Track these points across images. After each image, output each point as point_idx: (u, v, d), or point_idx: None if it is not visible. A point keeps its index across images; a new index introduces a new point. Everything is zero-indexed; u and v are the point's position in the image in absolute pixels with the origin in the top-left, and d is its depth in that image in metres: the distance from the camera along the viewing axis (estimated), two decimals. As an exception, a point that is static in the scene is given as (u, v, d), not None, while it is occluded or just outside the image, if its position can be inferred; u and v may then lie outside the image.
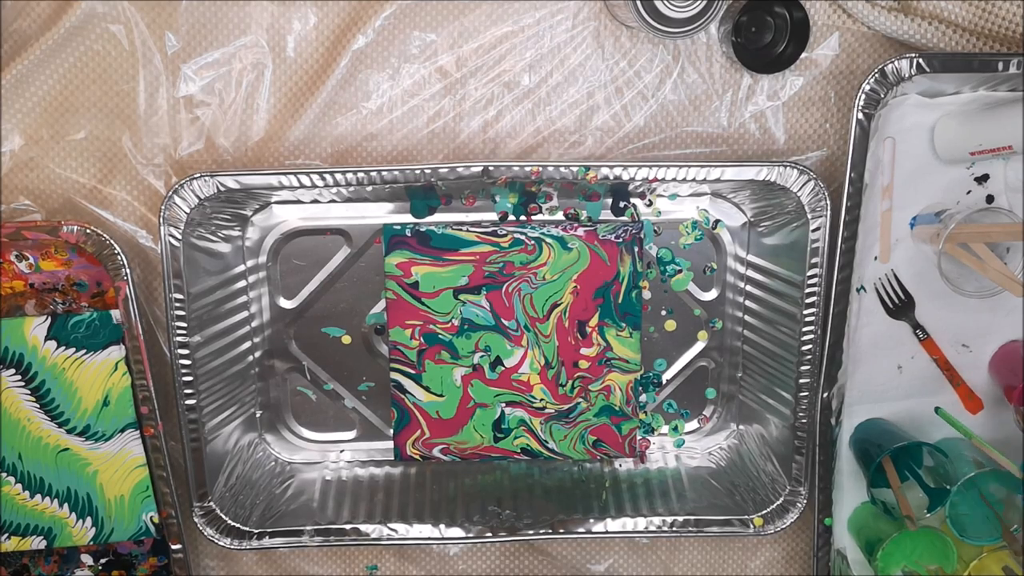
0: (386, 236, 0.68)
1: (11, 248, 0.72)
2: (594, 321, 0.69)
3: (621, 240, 0.68)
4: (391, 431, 0.75)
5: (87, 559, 0.80)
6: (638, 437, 0.72)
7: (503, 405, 0.71)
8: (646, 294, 0.78)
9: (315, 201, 0.75)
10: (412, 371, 0.70)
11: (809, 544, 0.80)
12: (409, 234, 0.68)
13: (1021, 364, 0.73)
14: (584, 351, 0.70)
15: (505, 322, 0.69)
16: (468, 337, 0.70)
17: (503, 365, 0.70)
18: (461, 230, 0.68)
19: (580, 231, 0.68)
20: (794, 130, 0.74)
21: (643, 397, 0.75)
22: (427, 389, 0.71)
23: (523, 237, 0.68)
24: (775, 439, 0.77)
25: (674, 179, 0.68)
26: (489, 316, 0.69)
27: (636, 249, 0.68)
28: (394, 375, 0.71)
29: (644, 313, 0.77)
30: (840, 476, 0.76)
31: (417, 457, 0.74)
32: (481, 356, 0.70)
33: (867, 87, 0.66)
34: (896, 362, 0.76)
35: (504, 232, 0.68)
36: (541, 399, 0.71)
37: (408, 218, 0.76)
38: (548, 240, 0.68)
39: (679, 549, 0.84)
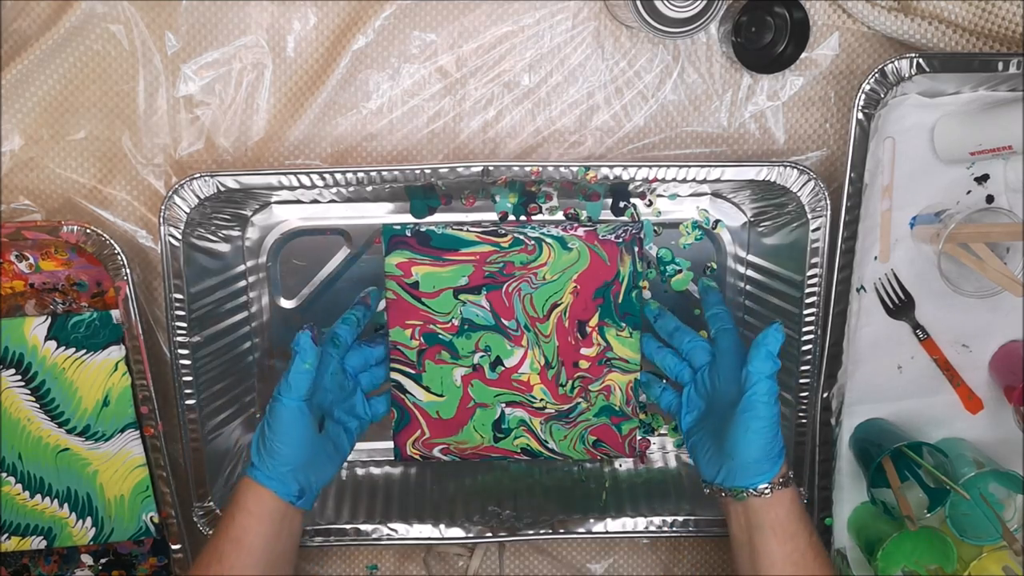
0: (386, 236, 0.67)
1: (11, 248, 0.72)
2: (594, 321, 0.69)
3: (621, 240, 0.68)
4: (391, 431, 0.75)
5: (87, 559, 0.80)
6: (638, 437, 0.72)
7: (503, 405, 0.71)
8: (646, 294, 0.78)
9: (315, 201, 0.75)
10: (412, 371, 0.70)
11: (809, 544, 0.80)
12: (409, 234, 0.67)
13: (1021, 364, 0.73)
14: (584, 351, 0.70)
15: (505, 322, 0.69)
16: (468, 337, 0.69)
17: (503, 365, 0.70)
18: (461, 230, 0.68)
19: (580, 231, 0.68)
20: (794, 130, 0.74)
21: (643, 397, 0.75)
22: (427, 389, 0.70)
23: (523, 237, 0.68)
24: (775, 439, 0.77)
25: (674, 179, 0.68)
26: (489, 316, 0.69)
27: (636, 249, 0.68)
28: (394, 375, 0.71)
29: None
30: (840, 476, 0.76)
31: (417, 457, 0.74)
32: (481, 356, 0.70)
33: (867, 87, 0.66)
34: (896, 362, 0.76)
35: (504, 232, 0.68)
36: (541, 399, 0.71)
37: (408, 218, 0.76)
38: (548, 240, 0.68)
39: (679, 549, 0.84)
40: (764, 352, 0.62)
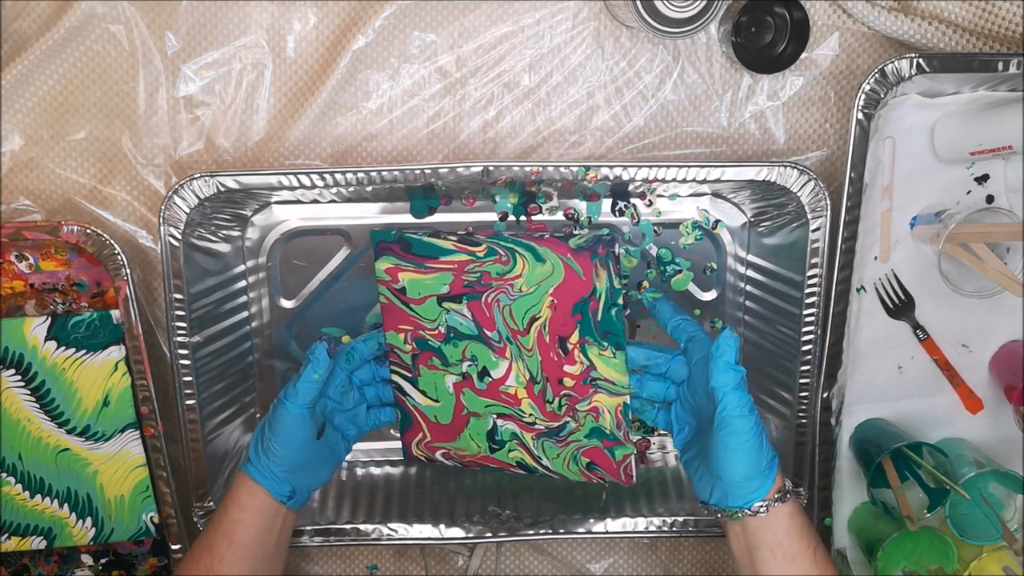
0: (373, 241, 0.67)
1: (11, 248, 0.72)
2: (574, 338, 0.65)
3: (595, 254, 0.63)
4: (394, 430, 0.75)
5: (87, 559, 0.80)
6: (633, 465, 0.70)
7: (494, 416, 0.70)
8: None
9: (315, 201, 0.75)
10: (408, 374, 0.70)
11: (809, 544, 0.80)
12: (392, 240, 0.66)
13: (1021, 364, 0.73)
14: (568, 368, 0.66)
15: (488, 333, 0.67)
16: (455, 345, 0.68)
17: (490, 376, 0.68)
18: (438, 237, 0.66)
19: (551, 242, 0.64)
20: (794, 130, 0.74)
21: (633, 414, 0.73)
22: (424, 393, 0.70)
23: (497, 247, 0.65)
24: (775, 439, 0.77)
25: (674, 179, 0.68)
26: (472, 326, 0.67)
27: (612, 264, 0.63)
28: (393, 377, 0.70)
29: (643, 313, 0.76)
30: (840, 476, 0.76)
31: (422, 458, 0.74)
32: (469, 365, 0.68)
33: (867, 87, 0.66)
34: (896, 362, 0.76)
35: (479, 241, 0.65)
36: (530, 414, 0.68)
37: (401, 218, 0.75)
38: (521, 251, 0.64)
39: (679, 549, 0.84)
40: (722, 364, 0.58)
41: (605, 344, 0.65)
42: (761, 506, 0.59)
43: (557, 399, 0.68)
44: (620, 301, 0.64)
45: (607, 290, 0.64)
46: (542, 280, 0.65)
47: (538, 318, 0.66)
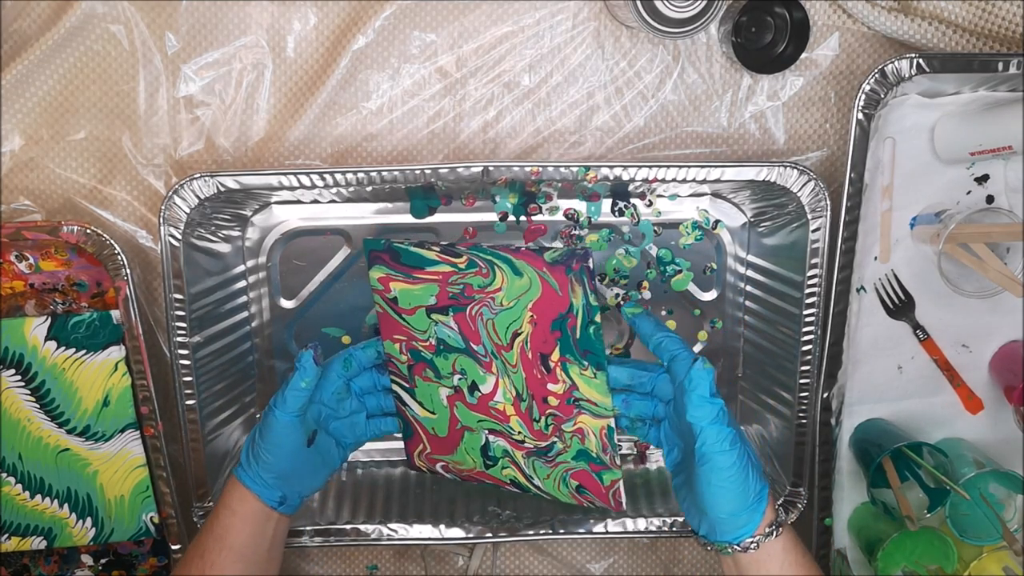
0: (366, 250, 0.66)
1: (11, 248, 0.72)
2: (555, 355, 0.63)
3: (569, 269, 0.60)
4: (397, 434, 0.75)
5: (87, 559, 0.80)
6: (622, 490, 0.70)
7: (486, 432, 0.69)
8: (646, 294, 0.78)
9: (315, 201, 0.75)
10: (406, 385, 0.69)
11: (809, 544, 0.80)
12: (383, 249, 0.65)
13: (1021, 364, 0.73)
14: (551, 387, 0.65)
15: (474, 346, 0.66)
16: (445, 358, 0.66)
17: (479, 391, 0.67)
18: (423, 248, 0.65)
19: (526, 256, 0.62)
20: (794, 130, 0.74)
21: (619, 436, 0.71)
22: (421, 404, 0.70)
23: (477, 259, 0.63)
24: (775, 439, 0.77)
25: (674, 179, 0.68)
26: (459, 338, 0.66)
27: (586, 280, 0.60)
28: (393, 387, 0.70)
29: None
30: (840, 476, 0.76)
31: (424, 470, 0.74)
32: (459, 379, 0.67)
33: (867, 87, 0.66)
34: (896, 362, 0.76)
35: (460, 252, 0.63)
36: (519, 432, 0.67)
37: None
38: (499, 264, 0.62)
39: (679, 549, 0.84)
40: (696, 398, 0.56)
41: (586, 363, 0.62)
42: (751, 542, 0.57)
43: (543, 418, 0.67)
44: (597, 319, 0.61)
45: (583, 307, 0.61)
46: (521, 294, 0.63)
47: (520, 333, 0.64)
